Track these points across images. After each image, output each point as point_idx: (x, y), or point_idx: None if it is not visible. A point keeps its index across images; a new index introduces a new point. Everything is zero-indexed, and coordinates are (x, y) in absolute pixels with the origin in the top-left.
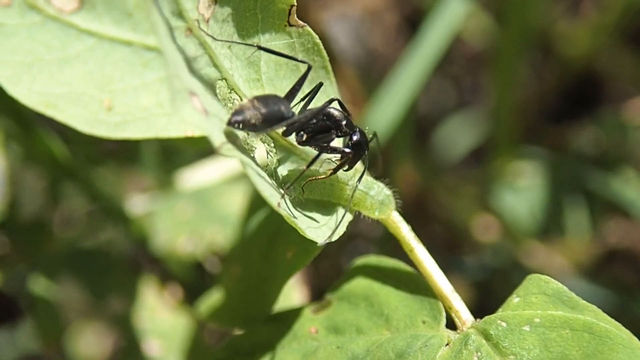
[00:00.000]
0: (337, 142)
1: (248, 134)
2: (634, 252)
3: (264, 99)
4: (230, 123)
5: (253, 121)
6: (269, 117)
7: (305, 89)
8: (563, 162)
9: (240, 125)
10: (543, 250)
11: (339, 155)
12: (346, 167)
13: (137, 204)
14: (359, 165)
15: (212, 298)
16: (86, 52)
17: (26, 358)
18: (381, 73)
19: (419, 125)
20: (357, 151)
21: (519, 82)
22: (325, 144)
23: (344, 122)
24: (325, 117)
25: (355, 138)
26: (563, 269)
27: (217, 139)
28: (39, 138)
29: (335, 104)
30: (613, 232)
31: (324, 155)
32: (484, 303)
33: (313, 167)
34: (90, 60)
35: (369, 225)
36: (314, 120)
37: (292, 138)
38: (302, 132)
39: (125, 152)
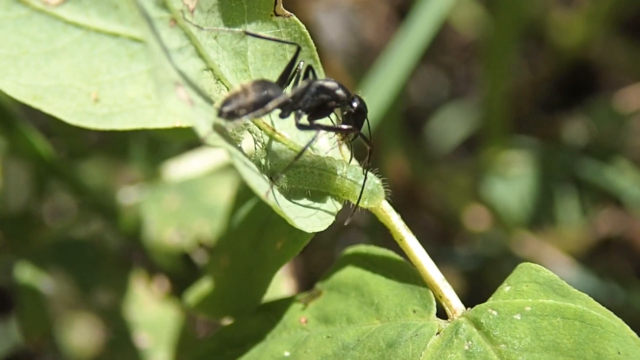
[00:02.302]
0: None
1: (236, 124)
2: (626, 241)
3: (253, 85)
4: (220, 114)
5: (244, 108)
6: (259, 101)
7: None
8: (555, 152)
9: (231, 115)
10: (534, 240)
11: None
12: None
13: (124, 196)
14: (348, 154)
15: (201, 289)
16: (73, 44)
17: (19, 350)
18: (372, 63)
19: (411, 115)
20: (358, 119)
21: (511, 71)
22: (324, 120)
23: (339, 91)
24: (318, 90)
25: (355, 105)
26: (555, 259)
27: (203, 129)
28: (21, 136)
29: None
30: (605, 222)
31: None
32: (476, 293)
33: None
34: (77, 53)
35: (361, 216)
36: (309, 97)
37: (287, 124)
38: (300, 112)
39: (112, 144)
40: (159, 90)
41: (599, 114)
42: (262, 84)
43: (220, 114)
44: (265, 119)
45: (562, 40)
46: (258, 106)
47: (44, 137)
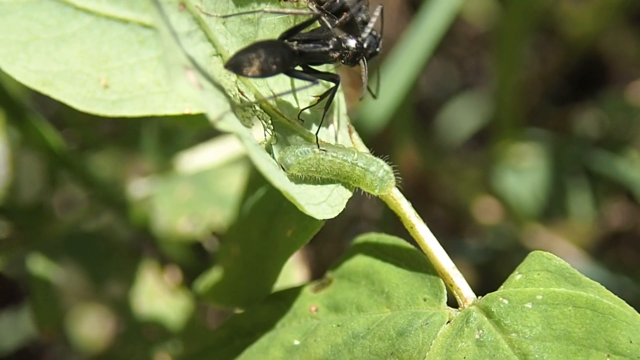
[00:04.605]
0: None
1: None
2: (637, 233)
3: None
4: (227, 66)
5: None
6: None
7: None
8: (566, 144)
9: (239, 67)
10: (546, 233)
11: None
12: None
13: (137, 187)
14: (358, 142)
15: (211, 278)
16: (83, 30)
17: (29, 341)
18: (383, 55)
19: (422, 107)
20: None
21: (522, 63)
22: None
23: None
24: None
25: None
26: (566, 251)
27: (213, 113)
28: (33, 128)
29: None
30: (616, 214)
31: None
32: (487, 286)
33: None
34: (87, 39)
35: (372, 207)
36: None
37: (296, 112)
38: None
39: (125, 136)
40: (169, 73)
41: (610, 106)
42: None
43: (227, 66)
44: (276, 106)
45: (572, 32)
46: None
47: (55, 128)
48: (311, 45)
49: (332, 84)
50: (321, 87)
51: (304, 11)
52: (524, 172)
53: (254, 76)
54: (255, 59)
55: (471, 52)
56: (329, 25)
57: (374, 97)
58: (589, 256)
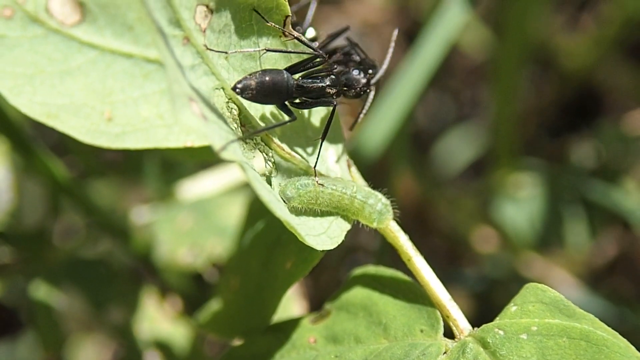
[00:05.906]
0: None
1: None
2: (633, 263)
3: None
4: (235, 88)
5: (255, 86)
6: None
7: None
8: (562, 174)
9: (245, 91)
10: (542, 262)
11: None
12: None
13: (138, 215)
14: (357, 175)
15: (211, 309)
16: (87, 64)
17: None
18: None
19: (419, 138)
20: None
21: (518, 95)
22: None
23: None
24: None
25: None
26: (562, 280)
27: (218, 143)
28: (35, 156)
29: None
30: (612, 244)
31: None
32: (484, 314)
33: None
34: (91, 73)
35: (368, 238)
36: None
37: (297, 145)
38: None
39: (126, 164)
40: (174, 103)
41: (606, 137)
42: (273, 70)
43: (234, 88)
44: (276, 139)
45: (568, 65)
46: (268, 85)
47: (57, 155)
48: (309, 80)
49: (331, 112)
50: (322, 114)
51: (304, 50)
52: (520, 202)
53: (257, 101)
54: (260, 84)
55: (467, 84)
56: (328, 62)
57: (350, 129)
58: (585, 285)
